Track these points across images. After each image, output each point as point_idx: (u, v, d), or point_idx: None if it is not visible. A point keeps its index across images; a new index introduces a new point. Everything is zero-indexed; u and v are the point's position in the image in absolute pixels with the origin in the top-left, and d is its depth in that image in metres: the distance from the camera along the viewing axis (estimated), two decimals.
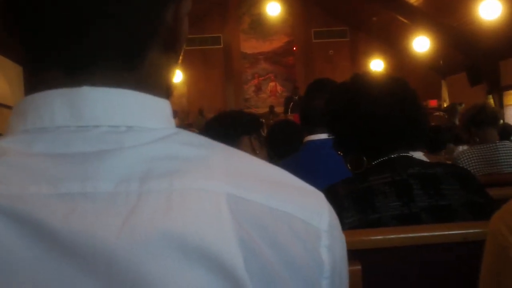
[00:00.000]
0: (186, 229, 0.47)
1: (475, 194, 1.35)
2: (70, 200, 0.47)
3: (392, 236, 1.21)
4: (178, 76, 12.68)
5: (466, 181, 1.38)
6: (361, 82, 1.51)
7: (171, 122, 0.57)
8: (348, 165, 1.49)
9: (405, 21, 11.73)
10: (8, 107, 8.35)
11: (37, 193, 0.47)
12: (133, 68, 0.55)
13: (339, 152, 1.56)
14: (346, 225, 1.30)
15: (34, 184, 0.48)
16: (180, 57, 0.63)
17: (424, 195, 1.33)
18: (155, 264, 0.45)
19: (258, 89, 15.05)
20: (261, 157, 1.76)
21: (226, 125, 2.00)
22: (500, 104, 10.47)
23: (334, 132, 1.54)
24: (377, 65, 13.37)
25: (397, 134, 1.42)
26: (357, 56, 14.78)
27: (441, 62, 11.87)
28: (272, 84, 15.04)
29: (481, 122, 3.44)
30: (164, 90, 0.59)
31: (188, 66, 13.04)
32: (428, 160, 1.89)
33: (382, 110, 1.41)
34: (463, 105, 7.46)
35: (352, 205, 1.33)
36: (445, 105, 11.08)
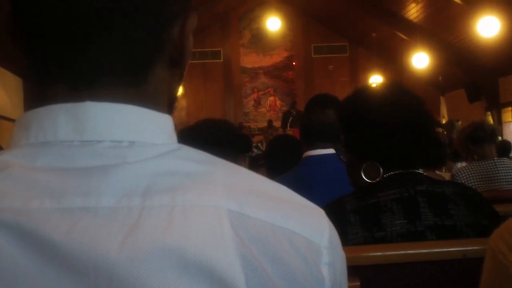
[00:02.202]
0: (187, 245, 0.47)
1: (481, 216, 1.34)
2: (72, 215, 0.48)
3: (391, 253, 1.21)
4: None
5: (474, 202, 1.36)
6: (385, 91, 1.51)
7: (173, 137, 0.58)
8: (363, 174, 1.44)
9: (404, 37, 11.81)
10: (7, 119, 8.36)
11: (40, 208, 0.48)
12: (138, 83, 0.56)
13: (347, 163, 1.55)
14: (350, 241, 1.29)
15: (37, 198, 0.48)
16: (184, 73, 0.63)
17: (430, 214, 1.31)
18: (155, 279, 0.46)
19: (258, 103, 15.08)
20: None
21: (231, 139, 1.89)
22: (499, 120, 10.50)
23: (351, 137, 1.51)
24: (376, 80, 13.40)
25: (412, 147, 1.41)
26: (356, 72, 14.84)
27: (440, 78, 11.92)
28: (271, 98, 15.08)
29: (480, 139, 3.44)
30: (167, 105, 0.60)
31: (188, 80, 13.08)
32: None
33: (402, 122, 1.40)
34: (460, 122, 7.49)
35: (359, 221, 1.31)
36: (444, 121, 11.11)
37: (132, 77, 0.55)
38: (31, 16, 0.53)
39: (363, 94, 1.54)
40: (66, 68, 0.54)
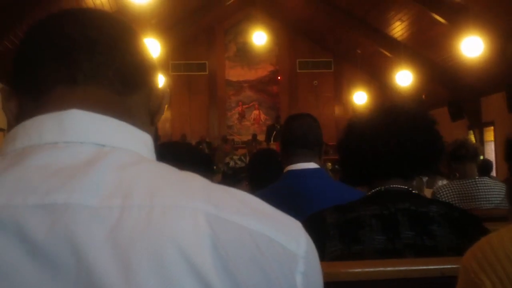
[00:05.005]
0: (166, 244, 0.49)
1: (465, 239, 1.30)
2: (55, 211, 0.49)
3: (371, 269, 1.21)
4: None
5: (459, 225, 1.34)
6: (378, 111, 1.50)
7: (153, 153, 0.61)
8: None
9: (389, 54, 11.92)
10: None
11: (23, 204, 0.49)
12: (124, 93, 0.61)
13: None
14: (329, 254, 1.29)
15: (20, 194, 0.50)
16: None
17: (410, 232, 1.31)
18: (135, 276, 0.47)
19: (242, 116, 15.11)
20: None
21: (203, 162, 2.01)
22: (481, 139, 10.62)
23: (344, 161, 1.54)
24: (360, 96, 13.48)
25: (390, 162, 1.39)
26: (341, 87, 14.95)
27: (423, 96, 12.03)
28: (255, 112, 15.12)
29: (462, 157, 3.47)
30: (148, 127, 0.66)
31: (173, 92, 13.08)
32: None
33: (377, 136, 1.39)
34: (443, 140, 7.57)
35: (338, 235, 1.32)
36: None
37: (119, 85, 0.61)
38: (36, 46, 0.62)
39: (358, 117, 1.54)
40: (66, 70, 0.59)
